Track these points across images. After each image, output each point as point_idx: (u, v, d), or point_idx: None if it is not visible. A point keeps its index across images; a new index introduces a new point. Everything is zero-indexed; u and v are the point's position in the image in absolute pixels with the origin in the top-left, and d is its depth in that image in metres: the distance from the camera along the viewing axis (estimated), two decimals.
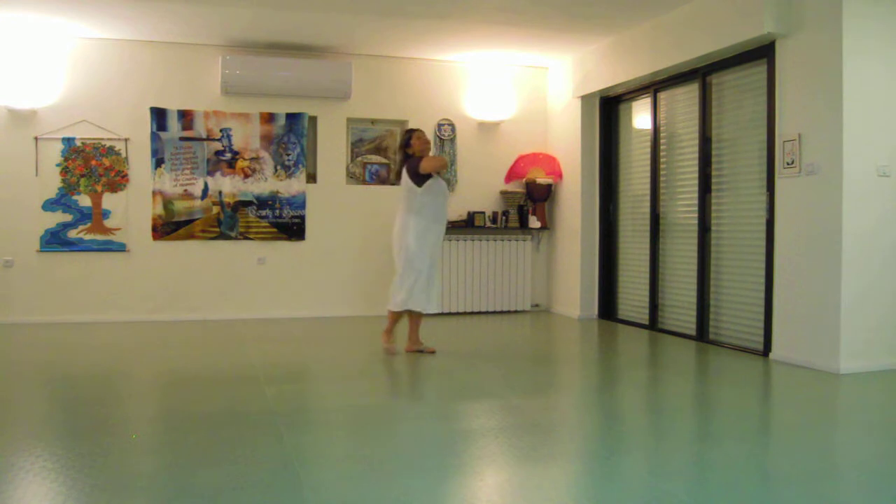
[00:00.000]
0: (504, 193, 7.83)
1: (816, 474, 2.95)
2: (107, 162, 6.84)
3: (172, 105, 6.98)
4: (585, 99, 7.36)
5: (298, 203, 7.29)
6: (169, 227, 7.00)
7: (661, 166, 6.56)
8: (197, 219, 7.07)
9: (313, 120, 7.38)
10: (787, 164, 5.02)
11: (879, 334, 4.76)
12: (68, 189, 6.76)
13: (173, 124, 6.98)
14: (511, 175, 7.70)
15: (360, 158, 7.68)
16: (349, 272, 7.46)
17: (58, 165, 6.73)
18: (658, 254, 6.60)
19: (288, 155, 7.24)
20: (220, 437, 3.33)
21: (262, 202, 7.20)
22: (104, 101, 6.83)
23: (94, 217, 6.83)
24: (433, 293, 5.28)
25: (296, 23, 6.39)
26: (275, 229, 7.25)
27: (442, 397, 4.21)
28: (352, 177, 7.62)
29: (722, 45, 5.41)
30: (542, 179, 7.63)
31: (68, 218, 6.78)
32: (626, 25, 6.37)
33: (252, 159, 7.17)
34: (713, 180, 5.91)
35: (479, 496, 2.68)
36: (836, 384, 4.47)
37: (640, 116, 6.92)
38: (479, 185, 7.79)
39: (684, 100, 6.28)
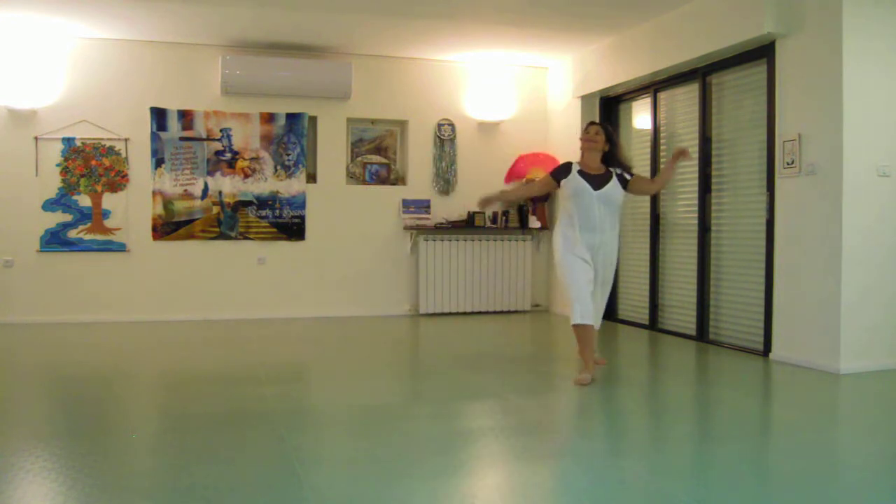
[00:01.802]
0: (504, 194, 7.82)
1: (816, 474, 2.94)
2: (107, 162, 6.84)
3: (172, 105, 6.98)
4: (585, 99, 7.36)
5: (298, 203, 7.29)
6: (169, 227, 7.00)
7: (662, 166, 6.55)
8: (197, 219, 7.07)
9: (313, 120, 7.38)
10: (787, 164, 5.02)
11: (880, 334, 4.76)
12: (68, 189, 6.76)
13: (173, 124, 6.98)
14: (511, 175, 7.70)
15: (360, 158, 7.68)
16: (349, 272, 7.46)
17: (58, 165, 6.73)
18: (658, 254, 6.60)
19: (288, 155, 7.24)
20: (220, 437, 3.33)
21: (262, 202, 7.20)
22: (104, 101, 6.83)
23: (94, 217, 6.83)
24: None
25: (296, 23, 6.39)
26: (275, 229, 7.25)
27: (442, 397, 4.21)
28: (352, 177, 7.62)
29: (722, 45, 5.41)
30: None
31: (68, 218, 6.78)
32: (626, 25, 6.37)
33: (252, 159, 7.17)
34: (713, 180, 5.91)
35: (479, 496, 2.68)
36: (836, 384, 4.47)
37: (640, 116, 6.92)
38: (479, 185, 7.74)
39: (684, 100, 6.28)
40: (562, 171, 4.54)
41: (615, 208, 4.48)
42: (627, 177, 4.50)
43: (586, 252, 4.41)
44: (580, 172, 4.45)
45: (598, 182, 4.42)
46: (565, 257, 4.45)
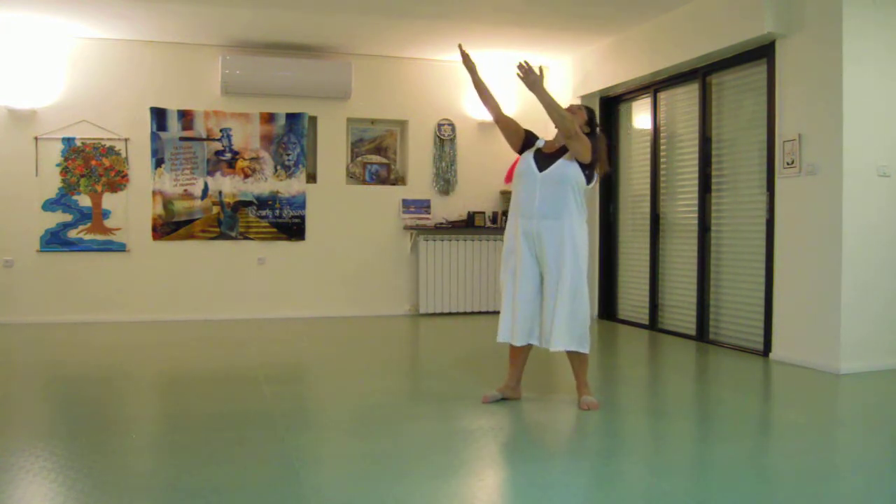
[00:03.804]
0: (504, 193, 7.83)
1: (816, 474, 2.95)
2: (107, 162, 6.84)
3: (172, 105, 6.98)
4: (585, 99, 7.35)
5: (298, 203, 7.29)
6: (169, 227, 7.00)
7: (661, 166, 6.56)
8: (197, 219, 7.07)
9: (313, 120, 7.38)
10: (787, 164, 5.02)
11: (879, 334, 4.76)
12: (68, 189, 6.76)
13: (173, 124, 6.98)
14: (511, 175, 7.68)
15: (360, 158, 7.68)
16: (349, 272, 7.46)
17: (58, 165, 6.73)
18: (658, 254, 6.60)
19: (288, 155, 7.24)
20: (220, 437, 3.33)
21: (262, 202, 7.20)
22: (104, 101, 6.83)
23: (94, 217, 6.83)
24: (542, 323, 3.78)
25: (296, 23, 6.39)
26: (275, 229, 7.25)
27: (442, 397, 4.21)
28: (352, 177, 7.62)
29: (722, 45, 5.41)
30: None
31: (68, 218, 6.78)
32: (626, 25, 6.37)
33: (252, 159, 7.17)
34: (713, 180, 5.91)
35: (479, 496, 2.68)
36: (836, 384, 4.47)
37: (640, 116, 6.92)
38: (479, 185, 7.79)
39: (684, 100, 6.28)
40: (531, 136, 4.03)
41: (566, 188, 3.75)
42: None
43: (525, 246, 3.78)
44: (537, 151, 3.92)
45: (548, 161, 3.82)
46: (503, 258, 3.93)
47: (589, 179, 3.82)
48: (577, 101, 7.39)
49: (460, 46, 4.04)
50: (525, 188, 3.85)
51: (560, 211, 3.75)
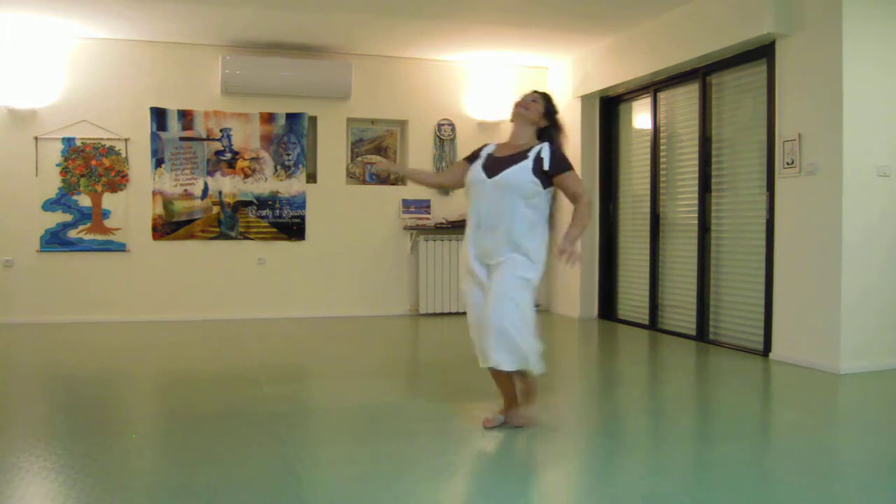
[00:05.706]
0: None
1: (816, 474, 2.95)
2: (107, 162, 6.84)
3: (172, 105, 6.97)
4: (585, 99, 7.36)
5: (298, 203, 7.29)
6: (169, 227, 7.00)
7: (661, 166, 6.55)
8: (197, 219, 7.07)
9: (313, 120, 7.38)
10: (787, 164, 5.02)
11: (879, 334, 4.76)
12: (68, 189, 6.75)
13: (173, 124, 6.98)
14: None
15: (360, 158, 7.68)
16: (349, 272, 7.46)
17: (58, 165, 6.73)
18: (658, 254, 6.60)
19: (288, 155, 7.24)
20: (220, 437, 3.33)
21: (262, 202, 7.20)
22: (104, 101, 6.83)
23: (94, 217, 6.83)
24: (496, 341, 3.32)
25: (296, 23, 6.39)
26: (275, 229, 7.25)
27: (442, 397, 4.21)
28: (352, 177, 7.62)
29: (722, 45, 5.41)
30: None
31: (68, 218, 6.78)
32: (626, 25, 6.37)
33: (252, 159, 7.17)
34: (713, 180, 5.91)
35: (480, 496, 2.68)
36: (836, 384, 4.47)
37: (640, 116, 6.92)
38: None
39: (684, 100, 6.28)
40: (474, 152, 3.52)
41: (516, 196, 3.27)
42: (546, 167, 3.32)
43: (478, 263, 3.38)
44: (489, 156, 3.43)
45: (502, 165, 3.32)
46: (461, 280, 3.56)
47: (546, 184, 3.37)
48: (577, 100, 7.39)
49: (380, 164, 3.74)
50: (473, 197, 3.37)
51: (509, 222, 3.28)
